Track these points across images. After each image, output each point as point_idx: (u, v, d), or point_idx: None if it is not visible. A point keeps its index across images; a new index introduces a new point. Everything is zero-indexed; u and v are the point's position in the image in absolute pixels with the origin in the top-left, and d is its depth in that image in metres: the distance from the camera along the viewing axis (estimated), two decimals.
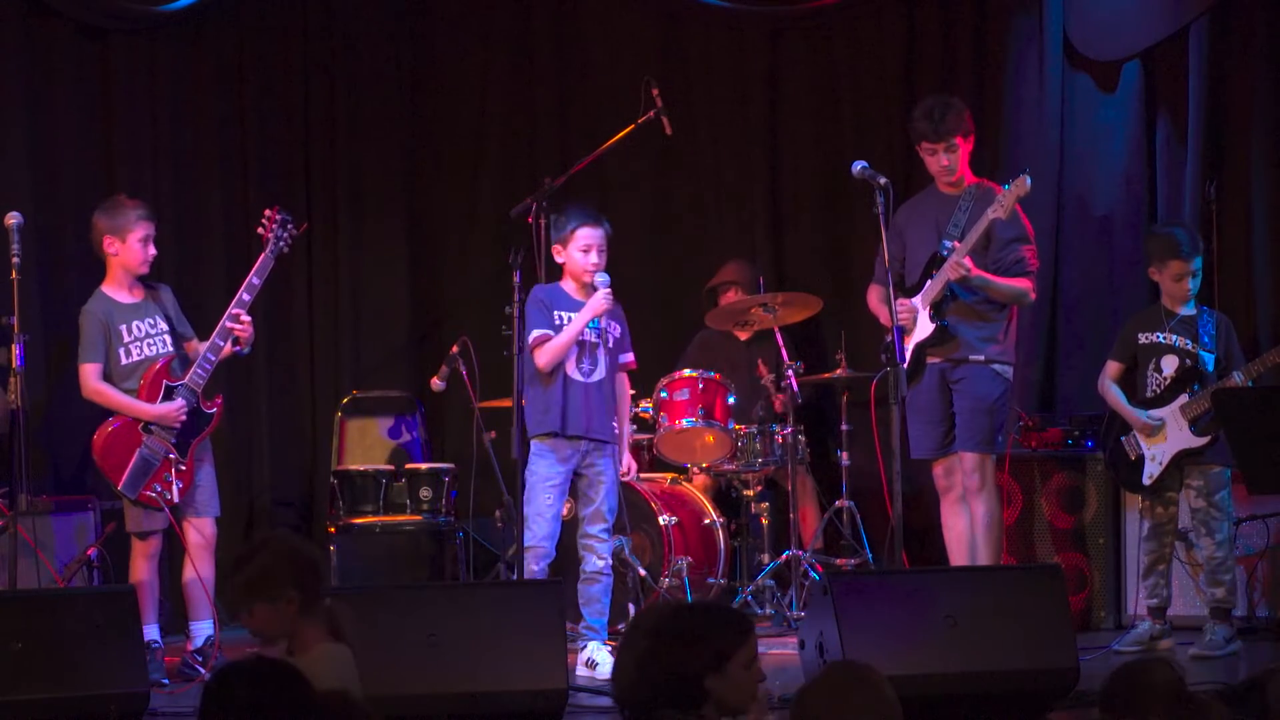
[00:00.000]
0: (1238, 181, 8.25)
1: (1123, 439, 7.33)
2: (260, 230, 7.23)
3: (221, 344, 7.07)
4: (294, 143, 8.94)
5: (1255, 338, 7.98)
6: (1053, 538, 7.87)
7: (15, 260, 6.85)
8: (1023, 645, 5.84)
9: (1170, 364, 7.23)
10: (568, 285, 6.99)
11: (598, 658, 6.78)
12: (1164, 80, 8.47)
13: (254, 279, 7.11)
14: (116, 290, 7.10)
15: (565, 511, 7.03)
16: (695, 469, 8.36)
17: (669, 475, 8.34)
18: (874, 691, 3.52)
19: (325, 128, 8.97)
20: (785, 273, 8.98)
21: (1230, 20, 8.29)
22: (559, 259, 6.99)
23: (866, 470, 7.73)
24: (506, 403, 7.23)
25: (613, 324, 7.00)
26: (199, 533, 7.05)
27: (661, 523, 7.85)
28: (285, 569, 4.25)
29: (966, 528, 7.34)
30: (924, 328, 7.30)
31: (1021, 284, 7.29)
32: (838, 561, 8.13)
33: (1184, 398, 7.18)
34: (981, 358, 7.25)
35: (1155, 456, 7.23)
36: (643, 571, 7.71)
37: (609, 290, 6.88)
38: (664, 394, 8.13)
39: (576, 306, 6.90)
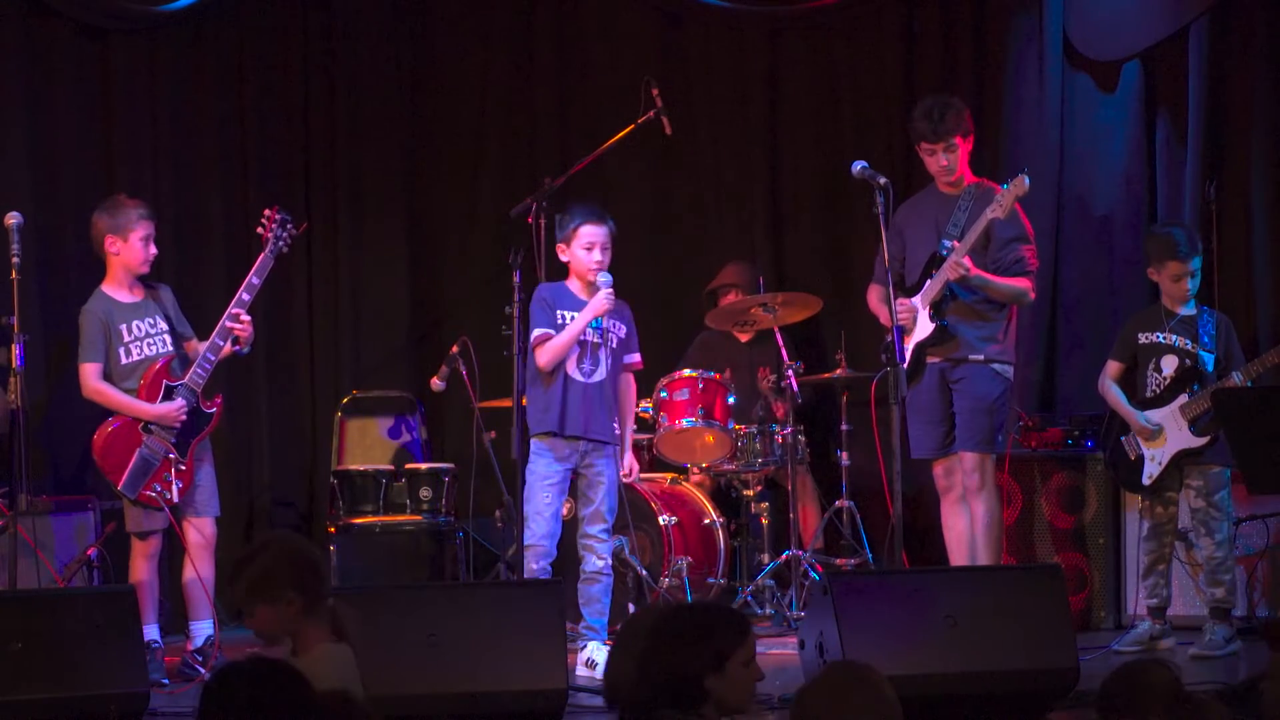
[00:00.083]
0: (1238, 181, 8.25)
1: (1123, 439, 7.33)
2: (260, 230, 7.23)
3: (221, 344, 7.07)
4: (294, 143, 8.94)
5: (1255, 338, 7.97)
6: (1053, 538, 7.87)
7: (15, 260, 6.85)
8: (1023, 645, 5.84)
9: (1170, 364, 7.23)
10: (573, 284, 6.97)
11: (598, 658, 6.76)
12: (1164, 80, 8.47)
13: (254, 279, 7.11)
14: (117, 290, 7.10)
15: (565, 511, 7.03)
16: (695, 469, 8.37)
17: (669, 475, 8.34)
18: (874, 691, 3.52)
19: (325, 128, 8.96)
20: (785, 273, 8.98)
21: (1230, 20, 8.30)
22: (563, 257, 6.97)
23: (866, 470, 7.73)
24: (506, 403, 7.23)
25: (617, 324, 6.98)
26: (199, 532, 7.05)
27: (661, 523, 7.85)
28: (286, 570, 4.24)
29: (966, 528, 7.34)
30: (924, 327, 7.29)
31: (1021, 283, 7.29)
32: (838, 561, 8.13)
33: (1184, 398, 7.18)
34: (981, 357, 7.24)
35: (1155, 456, 7.23)
36: (643, 571, 7.72)
37: (611, 290, 6.85)
38: (664, 394, 8.13)
39: (580, 305, 6.88)
